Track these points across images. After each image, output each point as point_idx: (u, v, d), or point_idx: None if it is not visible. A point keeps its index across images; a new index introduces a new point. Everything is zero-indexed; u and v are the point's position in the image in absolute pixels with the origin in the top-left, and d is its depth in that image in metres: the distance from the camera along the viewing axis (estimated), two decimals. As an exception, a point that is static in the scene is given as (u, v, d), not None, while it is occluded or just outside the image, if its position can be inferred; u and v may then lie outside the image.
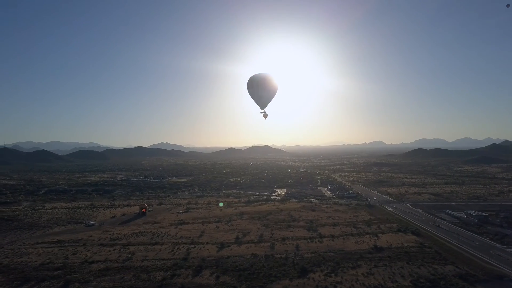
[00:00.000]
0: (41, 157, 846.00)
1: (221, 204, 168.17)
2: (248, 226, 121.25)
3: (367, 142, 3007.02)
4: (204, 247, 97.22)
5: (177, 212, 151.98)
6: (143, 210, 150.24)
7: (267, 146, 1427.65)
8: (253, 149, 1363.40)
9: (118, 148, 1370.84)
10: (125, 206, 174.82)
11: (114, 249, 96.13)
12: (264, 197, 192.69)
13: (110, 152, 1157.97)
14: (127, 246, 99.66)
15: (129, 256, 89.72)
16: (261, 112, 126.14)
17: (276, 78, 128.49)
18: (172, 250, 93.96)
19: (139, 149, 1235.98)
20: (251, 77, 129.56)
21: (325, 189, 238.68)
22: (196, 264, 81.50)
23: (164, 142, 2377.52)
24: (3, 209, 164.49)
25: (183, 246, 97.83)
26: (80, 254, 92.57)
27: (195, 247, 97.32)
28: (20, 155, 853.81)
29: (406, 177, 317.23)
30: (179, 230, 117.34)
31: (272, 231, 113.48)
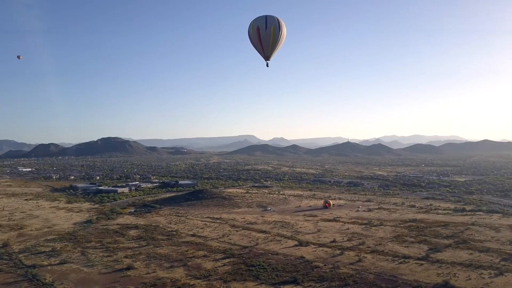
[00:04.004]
0: (375, 150, 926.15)
1: None
2: (376, 234, 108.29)
3: None
4: (286, 241, 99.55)
5: (357, 210, 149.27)
6: (327, 204, 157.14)
7: None
8: None
9: (459, 142, 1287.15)
10: (339, 199, 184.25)
11: (230, 231, 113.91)
12: (495, 207, 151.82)
13: (448, 146, 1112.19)
14: (244, 230, 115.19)
15: (221, 236, 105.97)
16: (267, 65, 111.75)
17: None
18: (256, 239, 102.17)
19: (484, 142, 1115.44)
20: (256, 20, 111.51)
21: None
22: (236, 253, 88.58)
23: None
24: (250, 191, 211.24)
25: (273, 238, 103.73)
26: (204, 228, 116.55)
27: (280, 240, 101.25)
28: (357, 148, 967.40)
29: None
30: (310, 225, 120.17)
31: (385, 242, 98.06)
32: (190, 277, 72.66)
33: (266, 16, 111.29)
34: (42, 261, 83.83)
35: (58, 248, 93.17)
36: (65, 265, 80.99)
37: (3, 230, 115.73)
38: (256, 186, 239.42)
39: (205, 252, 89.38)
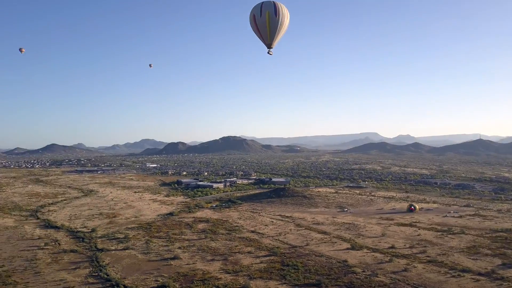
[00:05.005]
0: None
1: None
2: (448, 243, 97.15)
3: None
4: (340, 244, 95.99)
5: (445, 215, 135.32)
6: (411, 208, 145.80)
7: None
8: None
9: None
10: (433, 202, 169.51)
11: (291, 230, 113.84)
12: None
13: None
14: (306, 229, 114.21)
15: (278, 234, 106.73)
16: (268, 53, 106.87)
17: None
18: (310, 240, 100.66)
19: None
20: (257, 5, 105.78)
21: None
22: (279, 252, 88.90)
23: None
24: (340, 191, 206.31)
25: (329, 239, 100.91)
26: (268, 226, 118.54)
27: (335, 242, 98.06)
28: (492, 146, 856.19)
29: None
30: (379, 229, 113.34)
31: (452, 253, 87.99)
32: (221, 271, 75.76)
33: (262, 2, 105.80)
34: (111, 246, 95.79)
35: (130, 236, 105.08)
36: (126, 251, 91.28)
37: (100, 218, 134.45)
38: (350, 186, 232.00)
39: (252, 249, 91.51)
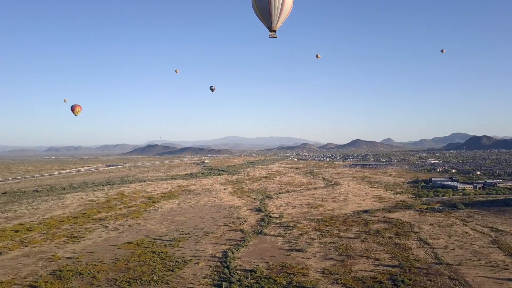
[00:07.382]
0: None
1: None
2: None
3: None
4: (508, 273, 73.35)
5: None
6: None
7: None
8: None
9: None
10: None
11: (471, 245, 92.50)
12: None
13: None
14: (495, 248, 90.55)
15: (441, 248, 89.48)
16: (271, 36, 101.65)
17: None
18: (474, 260, 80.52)
19: None
20: None
21: None
22: (407, 265, 77.29)
23: None
24: None
25: (505, 264, 77.88)
26: (452, 237, 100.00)
27: (506, 269, 75.18)
28: None
29: None
30: None
31: None
32: (319, 270, 75.00)
33: None
34: (272, 231, 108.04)
35: (299, 226, 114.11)
36: (276, 237, 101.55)
37: (302, 207, 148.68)
38: None
39: (386, 256, 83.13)
